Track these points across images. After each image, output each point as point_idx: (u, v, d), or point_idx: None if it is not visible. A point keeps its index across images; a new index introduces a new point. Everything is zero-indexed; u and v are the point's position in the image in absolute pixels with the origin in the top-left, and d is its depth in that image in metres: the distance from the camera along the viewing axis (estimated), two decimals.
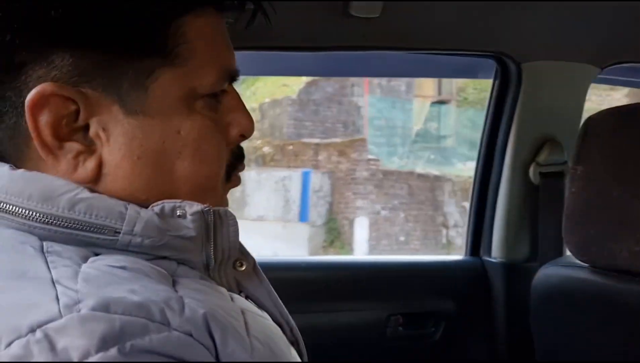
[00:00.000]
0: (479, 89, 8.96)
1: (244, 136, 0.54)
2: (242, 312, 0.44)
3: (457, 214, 7.69)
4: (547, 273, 0.98)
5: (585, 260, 0.86)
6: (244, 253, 0.54)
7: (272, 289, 0.56)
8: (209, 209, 0.47)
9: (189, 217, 0.46)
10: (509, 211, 1.27)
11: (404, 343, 1.25)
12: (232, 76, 0.52)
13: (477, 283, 1.31)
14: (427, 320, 1.27)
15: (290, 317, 0.56)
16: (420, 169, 8.28)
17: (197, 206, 0.47)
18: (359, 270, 1.29)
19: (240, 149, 0.55)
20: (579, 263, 0.90)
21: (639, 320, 0.79)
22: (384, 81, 8.52)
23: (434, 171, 8.26)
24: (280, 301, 0.56)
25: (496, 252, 1.30)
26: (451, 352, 1.28)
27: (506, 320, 1.27)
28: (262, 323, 0.46)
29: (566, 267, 0.94)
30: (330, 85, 8.44)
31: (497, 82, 1.25)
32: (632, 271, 0.78)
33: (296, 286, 1.19)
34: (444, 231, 7.90)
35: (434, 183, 7.93)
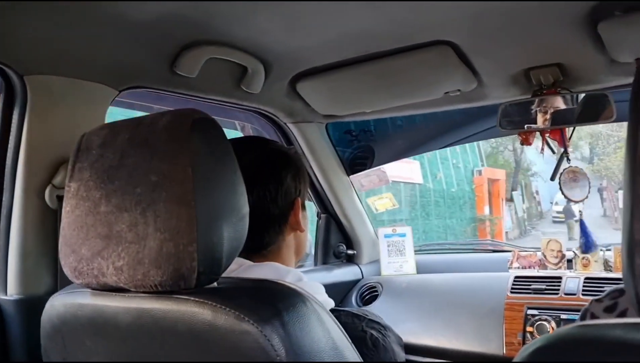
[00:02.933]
0: None
1: None
2: None
3: None
4: (53, 303, 0.88)
5: (81, 283, 0.81)
6: None
7: None
8: None
9: None
10: (25, 241, 1.13)
11: None
12: None
13: None
14: None
15: None
16: None
17: None
18: None
19: None
20: (82, 288, 0.84)
21: (134, 338, 0.77)
22: None
23: None
24: None
25: (13, 288, 1.14)
26: None
27: None
28: None
29: (70, 294, 0.87)
30: None
31: (1, 95, 1.11)
32: (119, 287, 0.76)
33: None
34: None
35: None
